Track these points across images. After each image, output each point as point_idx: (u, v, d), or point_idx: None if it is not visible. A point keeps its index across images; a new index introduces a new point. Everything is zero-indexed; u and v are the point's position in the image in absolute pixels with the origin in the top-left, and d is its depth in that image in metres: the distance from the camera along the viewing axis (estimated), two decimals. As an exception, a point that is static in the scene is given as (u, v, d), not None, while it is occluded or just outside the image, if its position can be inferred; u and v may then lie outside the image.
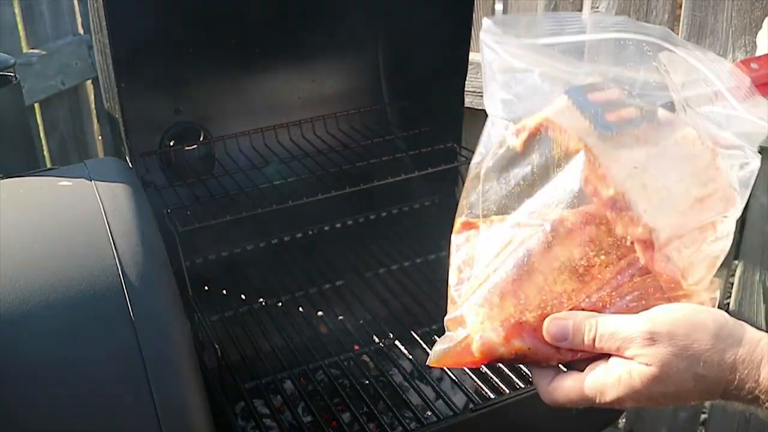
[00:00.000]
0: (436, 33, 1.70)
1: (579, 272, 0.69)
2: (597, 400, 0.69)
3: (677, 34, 1.67)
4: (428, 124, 1.77)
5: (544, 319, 0.69)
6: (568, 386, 0.70)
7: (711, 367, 0.65)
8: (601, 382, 0.68)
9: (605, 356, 0.68)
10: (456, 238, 0.77)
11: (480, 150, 0.77)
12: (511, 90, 0.75)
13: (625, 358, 0.66)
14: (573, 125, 0.71)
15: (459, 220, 0.77)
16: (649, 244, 0.69)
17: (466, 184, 0.77)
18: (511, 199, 0.74)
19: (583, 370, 0.70)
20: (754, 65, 0.87)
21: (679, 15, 1.65)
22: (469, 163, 1.65)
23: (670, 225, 0.70)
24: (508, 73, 0.74)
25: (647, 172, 0.71)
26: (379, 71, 1.89)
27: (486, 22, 0.76)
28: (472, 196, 0.76)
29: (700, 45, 1.63)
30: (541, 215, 0.71)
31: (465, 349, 0.73)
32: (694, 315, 0.66)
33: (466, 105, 1.86)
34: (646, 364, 0.65)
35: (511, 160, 0.74)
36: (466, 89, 1.90)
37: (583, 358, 0.70)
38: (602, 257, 0.69)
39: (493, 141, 0.75)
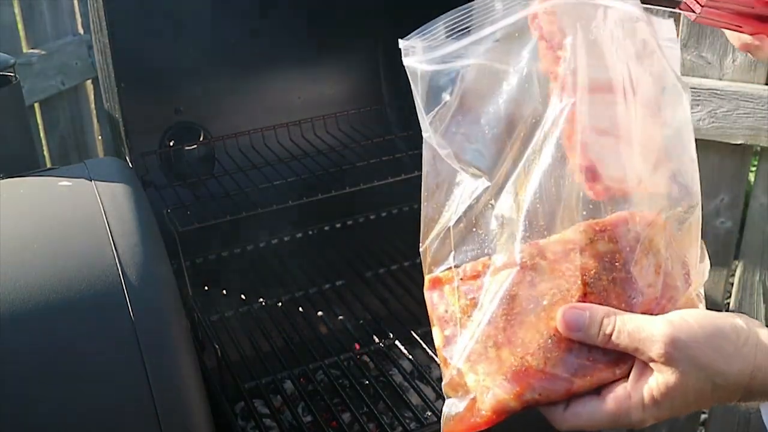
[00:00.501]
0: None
1: (573, 302, 0.66)
2: (619, 423, 0.66)
3: (677, 34, 1.67)
4: (428, 124, 1.77)
5: (548, 359, 0.65)
6: (589, 411, 0.66)
7: (729, 377, 0.63)
8: (626, 405, 0.64)
9: (622, 379, 0.66)
10: (429, 295, 0.72)
11: (449, 208, 0.71)
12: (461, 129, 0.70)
13: (641, 360, 0.64)
14: None
15: (427, 277, 0.72)
16: (569, 87, 0.67)
17: (425, 235, 0.72)
18: (486, 244, 0.69)
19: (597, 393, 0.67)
20: None
21: (679, 15, 1.65)
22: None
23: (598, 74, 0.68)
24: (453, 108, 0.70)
25: (597, 37, 0.69)
26: (379, 71, 1.89)
27: (402, 44, 0.70)
28: (437, 249, 0.71)
29: (700, 45, 1.64)
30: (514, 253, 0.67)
31: (475, 413, 0.68)
32: (711, 322, 0.64)
33: (466, 105, 1.86)
34: (664, 373, 0.63)
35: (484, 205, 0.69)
36: (466, 89, 1.90)
37: (599, 384, 0.66)
38: (594, 281, 0.66)
39: (456, 192, 0.70)
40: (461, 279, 0.69)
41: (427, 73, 0.70)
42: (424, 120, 0.71)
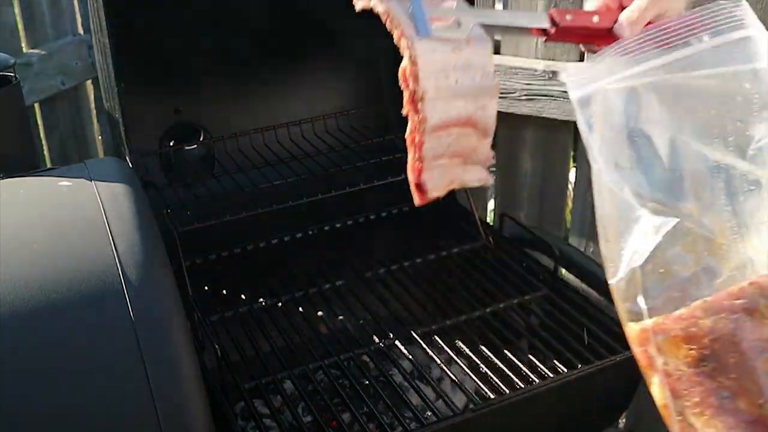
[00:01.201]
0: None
1: None
2: None
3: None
4: (428, 124, 1.77)
5: None
6: None
7: None
8: None
9: None
10: (642, 349, 0.67)
11: (631, 246, 0.66)
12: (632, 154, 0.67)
13: None
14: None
15: (635, 328, 0.67)
16: (420, 129, 0.90)
17: (609, 274, 0.67)
18: (682, 284, 0.65)
19: None
20: (568, 17, 0.92)
21: None
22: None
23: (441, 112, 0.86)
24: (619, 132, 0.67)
25: (449, 78, 0.88)
26: (380, 71, 1.89)
27: (567, 77, 0.71)
28: (625, 291, 0.66)
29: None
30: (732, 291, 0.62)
31: None
32: None
33: (466, 105, 1.86)
34: None
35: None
36: (466, 89, 1.90)
37: None
38: None
39: (637, 229, 0.65)
40: (680, 327, 0.64)
41: (595, 100, 0.68)
42: (593, 150, 0.68)
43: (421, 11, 0.90)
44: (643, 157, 0.68)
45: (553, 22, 0.93)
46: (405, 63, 0.91)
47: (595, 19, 0.93)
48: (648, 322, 0.65)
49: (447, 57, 0.92)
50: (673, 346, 0.64)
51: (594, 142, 0.68)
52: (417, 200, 0.97)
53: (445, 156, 0.97)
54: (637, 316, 0.66)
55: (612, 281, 0.67)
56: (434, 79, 0.92)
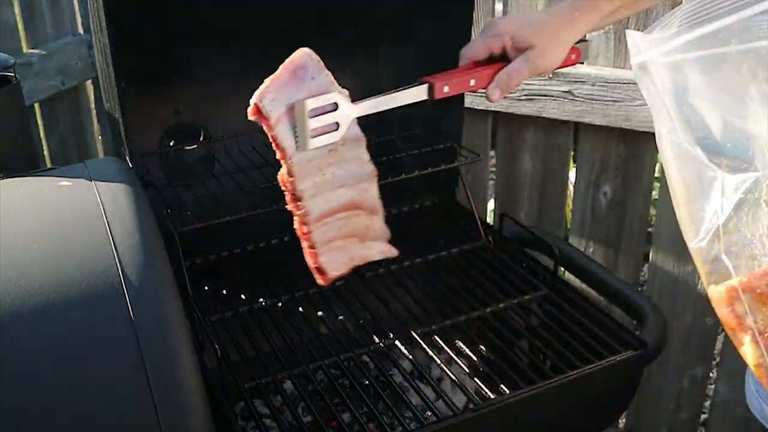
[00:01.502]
0: (436, 33, 1.70)
1: None
2: None
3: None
4: (428, 123, 1.77)
5: None
6: None
7: None
8: None
9: None
10: (728, 310, 0.65)
11: (709, 207, 0.63)
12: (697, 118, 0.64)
13: None
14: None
15: (718, 289, 0.65)
16: (304, 222, 1.03)
17: (688, 237, 0.65)
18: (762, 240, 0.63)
19: None
20: (446, 88, 1.04)
21: None
22: (469, 162, 1.65)
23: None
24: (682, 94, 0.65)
25: (325, 174, 1.02)
26: (379, 72, 1.89)
27: (631, 40, 0.67)
28: (707, 252, 0.64)
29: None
30: None
31: None
32: None
33: (466, 105, 1.86)
34: None
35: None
36: (466, 89, 1.90)
37: None
38: None
39: (715, 189, 0.63)
40: (765, 284, 0.63)
41: (660, 66, 0.66)
42: (662, 114, 0.66)
43: (304, 125, 1.00)
44: (696, 124, 0.66)
45: (431, 95, 1.05)
46: (283, 171, 1.01)
47: (472, 82, 1.04)
48: (734, 281, 0.64)
49: (322, 160, 1.02)
50: (759, 303, 0.63)
51: (662, 105, 0.66)
52: (319, 281, 1.08)
53: (338, 238, 1.06)
54: (721, 277, 0.65)
55: (692, 244, 0.65)
56: (311, 179, 1.02)
